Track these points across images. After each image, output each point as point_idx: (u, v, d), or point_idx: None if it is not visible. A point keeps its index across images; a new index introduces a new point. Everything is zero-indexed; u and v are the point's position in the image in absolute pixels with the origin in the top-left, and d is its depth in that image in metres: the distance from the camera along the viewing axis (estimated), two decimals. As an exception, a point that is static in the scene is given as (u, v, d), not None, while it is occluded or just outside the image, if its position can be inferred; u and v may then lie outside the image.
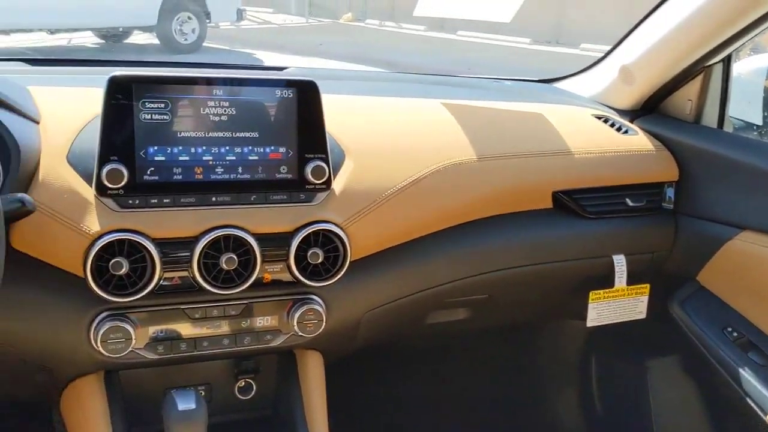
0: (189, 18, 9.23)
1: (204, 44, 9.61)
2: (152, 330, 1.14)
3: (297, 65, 1.68)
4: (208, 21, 9.55)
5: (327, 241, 1.18)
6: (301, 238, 1.16)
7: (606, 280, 1.48)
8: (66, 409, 1.23)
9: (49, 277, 1.09)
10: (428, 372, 1.91)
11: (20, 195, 0.96)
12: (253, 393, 1.33)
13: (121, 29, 9.47)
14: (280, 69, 1.68)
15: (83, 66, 1.54)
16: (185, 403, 1.00)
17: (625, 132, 1.55)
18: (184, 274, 1.13)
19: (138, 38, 9.81)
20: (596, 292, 1.47)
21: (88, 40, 9.51)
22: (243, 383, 1.33)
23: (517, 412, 1.96)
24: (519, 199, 1.40)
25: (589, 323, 1.49)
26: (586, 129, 1.53)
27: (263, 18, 13.35)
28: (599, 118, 1.59)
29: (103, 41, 9.54)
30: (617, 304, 1.50)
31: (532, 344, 1.96)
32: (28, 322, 1.09)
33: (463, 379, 1.92)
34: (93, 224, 1.06)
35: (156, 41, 9.40)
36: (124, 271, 1.06)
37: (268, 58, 9.09)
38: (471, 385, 1.94)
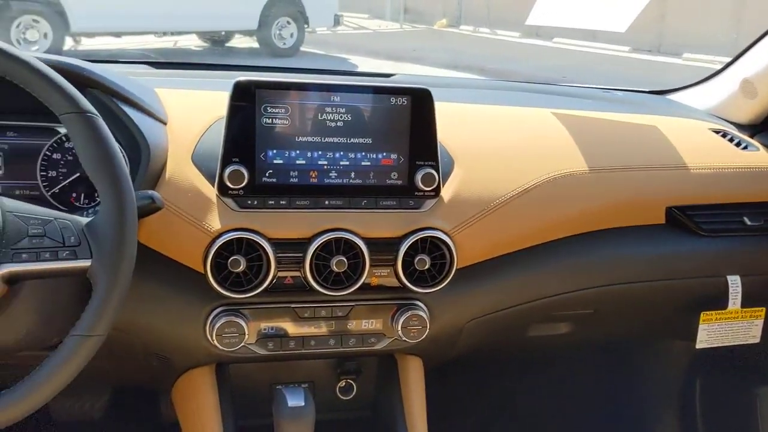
0: (288, 23, 9.47)
1: (301, 48, 9.84)
2: (263, 326, 1.18)
3: (391, 70, 1.70)
4: (306, 26, 9.77)
5: (434, 248, 1.19)
6: (409, 244, 1.17)
7: (718, 301, 1.42)
8: (178, 396, 1.29)
9: (171, 272, 1.14)
10: (524, 383, 1.89)
11: (150, 192, 1.02)
12: (353, 393, 1.35)
13: (223, 33, 9.83)
14: (387, 76, 1.71)
15: (203, 70, 1.61)
16: (295, 399, 1.03)
17: (745, 147, 1.49)
18: (296, 274, 1.16)
19: (238, 42, 10.15)
20: (708, 313, 1.42)
21: (192, 42, 9.91)
22: (344, 383, 1.35)
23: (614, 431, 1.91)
24: (631, 213, 1.36)
25: (699, 345, 1.44)
26: (703, 143, 1.48)
27: (358, 23, 13.55)
28: (717, 132, 1.53)
29: (206, 44, 9.93)
30: (729, 327, 1.44)
31: (634, 363, 1.90)
32: (151, 313, 1.15)
33: (560, 393, 1.89)
34: (214, 222, 1.11)
35: (256, 45, 9.70)
36: (241, 268, 1.11)
37: (362, 63, 9.22)
38: (567, 400, 1.91)
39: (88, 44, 8.46)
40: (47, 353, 1.09)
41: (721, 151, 1.46)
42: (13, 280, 0.89)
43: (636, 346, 1.88)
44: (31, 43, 7.61)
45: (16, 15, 7.68)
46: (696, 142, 1.46)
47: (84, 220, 0.92)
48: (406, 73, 1.76)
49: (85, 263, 0.89)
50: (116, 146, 0.92)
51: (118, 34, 8.73)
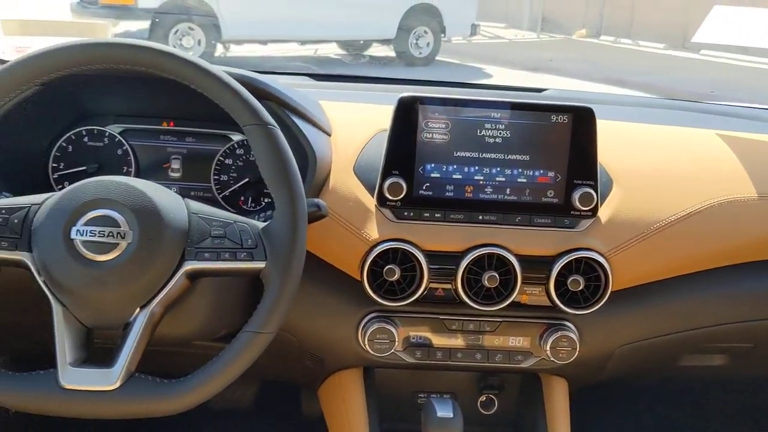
0: (425, 32, 9.58)
1: (436, 58, 9.90)
2: (412, 335, 1.21)
3: (527, 81, 1.67)
4: (442, 36, 9.83)
5: (589, 269, 1.17)
6: (563, 264, 1.16)
7: None
8: (325, 395, 1.35)
9: (330, 277, 1.20)
10: (672, 415, 1.80)
11: (317, 200, 1.07)
12: (494, 409, 1.35)
13: (361, 42, 10.08)
14: (539, 90, 1.69)
15: (360, 83, 1.67)
16: (444, 410, 1.05)
17: None
18: (448, 286, 1.18)
19: (375, 50, 10.38)
20: None
21: (332, 51, 10.24)
22: (486, 398, 1.36)
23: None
24: None
25: None
26: None
27: (495, 33, 13.45)
28: None
29: (345, 52, 10.22)
30: None
31: None
32: (310, 315, 1.21)
33: (704, 428, 1.79)
34: (373, 232, 1.15)
35: (392, 53, 9.87)
36: (396, 277, 1.14)
37: (497, 73, 9.14)
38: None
39: (236, 51, 8.96)
40: (215, 344, 1.17)
41: None
42: (195, 275, 0.97)
43: None
44: (186, 49, 8.15)
45: (174, 23, 8.27)
46: None
47: (260, 224, 0.98)
48: (555, 87, 1.73)
49: (260, 264, 0.95)
50: (292, 156, 0.98)
51: (264, 42, 9.18)
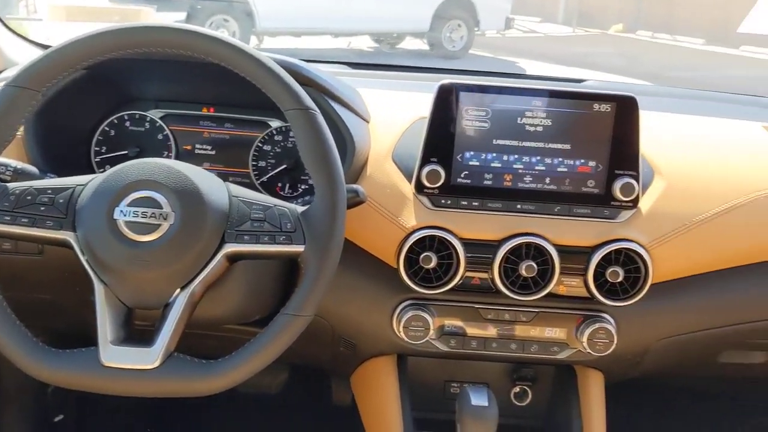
0: (459, 26, 9.52)
1: (469, 51, 9.85)
2: (447, 323, 1.21)
3: (560, 75, 1.65)
4: (476, 29, 9.77)
5: (628, 260, 1.15)
6: (602, 255, 1.14)
7: None
8: (358, 382, 1.35)
9: (366, 263, 1.20)
10: (710, 415, 1.77)
11: (356, 186, 1.07)
12: (528, 400, 1.34)
13: (395, 34, 10.06)
14: (578, 81, 1.67)
15: (398, 71, 1.66)
16: (478, 399, 1.04)
17: None
18: (484, 275, 1.17)
19: (409, 43, 10.35)
20: None
21: (364, 43, 10.24)
22: (519, 389, 1.35)
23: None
24: None
25: None
26: None
27: (529, 27, 13.32)
28: None
29: (378, 45, 10.22)
30: None
31: None
32: (345, 301, 1.21)
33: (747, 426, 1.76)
34: (410, 219, 1.15)
35: (426, 47, 9.84)
36: (432, 265, 1.14)
37: (531, 67, 9.05)
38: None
39: (269, 43, 9.00)
40: (247, 328, 1.18)
41: None
42: (234, 258, 0.97)
43: None
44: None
45: (210, 14, 8.35)
46: None
47: (299, 208, 0.98)
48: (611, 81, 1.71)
49: (299, 248, 0.95)
50: (333, 142, 0.98)
51: (297, 34, 9.21)
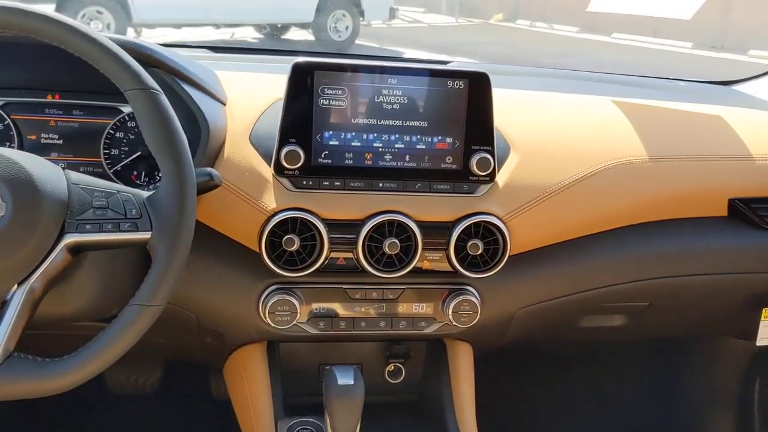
0: (344, 15, 9.52)
1: (355, 42, 9.87)
2: (315, 306, 1.19)
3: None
4: (361, 19, 9.80)
5: (487, 233, 1.18)
6: (462, 229, 1.17)
7: (782, 298, 1.38)
8: (229, 373, 1.32)
9: (227, 250, 1.16)
10: (575, 377, 1.86)
11: (209, 169, 1.03)
12: (402, 377, 1.35)
13: (279, 25, 9.93)
14: (443, 63, 1.70)
15: (262, 54, 1.63)
16: (345, 378, 1.04)
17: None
18: (349, 255, 1.17)
19: (294, 34, 10.25)
20: (770, 309, 1.38)
21: (248, 34, 10.05)
22: (393, 367, 1.36)
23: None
24: (692, 204, 1.33)
25: (759, 342, 1.39)
26: (769, 134, 1.43)
27: (413, 17, 13.50)
28: (785, 123, 1.48)
29: (262, 36, 10.05)
30: (793, 325, 1.39)
31: (691, 363, 1.86)
32: (207, 289, 1.17)
33: (612, 390, 1.86)
34: (270, 201, 1.13)
35: (311, 37, 9.77)
36: (295, 247, 1.12)
37: (416, 56, 9.18)
38: (619, 397, 1.87)
39: (148, 35, 8.67)
40: (105, 325, 1.12)
41: (790, 142, 1.40)
42: (77, 249, 0.92)
43: (692, 345, 1.83)
44: (95, 33, 7.83)
45: (81, 6, 7.92)
46: (761, 132, 1.41)
47: (145, 193, 0.94)
48: (475, 62, 1.75)
49: (146, 235, 0.91)
50: (178, 122, 0.94)
51: (177, 26, 8.91)
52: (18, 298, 0.89)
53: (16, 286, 0.89)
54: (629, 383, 1.88)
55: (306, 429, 1.16)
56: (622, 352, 1.81)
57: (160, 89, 0.94)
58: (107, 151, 1.25)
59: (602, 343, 1.73)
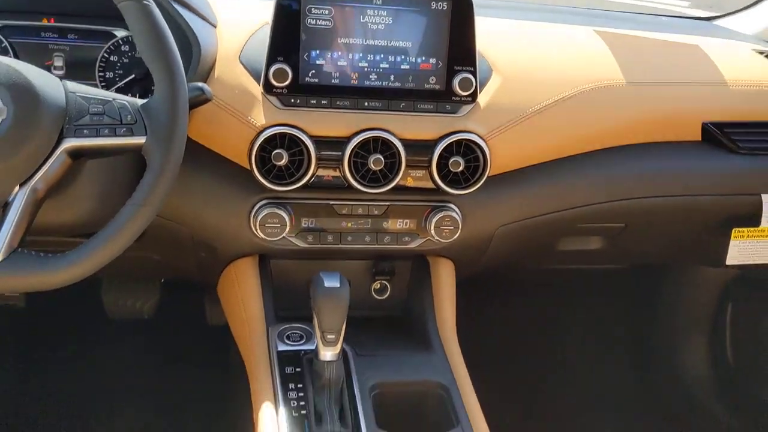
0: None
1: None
2: (303, 221, 1.25)
3: None
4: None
5: (468, 151, 1.23)
6: (444, 146, 1.22)
7: (751, 220, 1.44)
8: (223, 290, 1.38)
9: (218, 166, 1.21)
10: (553, 305, 1.93)
11: (200, 84, 1.08)
12: (387, 294, 1.41)
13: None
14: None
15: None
16: (331, 281, 1.10)
17: (790, 69, 1.47)
18: (336, 174, 1.22)
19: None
20: (740, 229, 1.44)
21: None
22: (379, 285, 1.42)
23: (640, 356, 1.95)
24: (667, 128, 1.38)
25: (729, 261, 1.46)
26: (744, 62, 1.47)
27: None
28: (761, 53, 1.52)
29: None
30: (761, 245, 1.45)
31: (664, 290, 1.93)
32: (200, 204, 1.23)
33: (586, 316, 1.93)
34: (259, 118, 1.17)
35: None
36: (283, 162, 1.17)
37: None
38: (593, 323, 1.95)
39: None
40: None
41: (762, 70, 1.45)
42: (76, 154, 0.97)
43: (668, 274, 1.91)
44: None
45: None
46: (736, 61, 1.46)
47: (140, 101, 0.99)
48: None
49: (141, 140, 0.96)
50: (169, 32, 0.98)
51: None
52: (20, 198, 0.94)
53: (18, 187, 0.94)
54: (607, 308, 1.95)
55: (295, 333, 1.22)
56: (600, 281, 1.88)
57: (151, 1, 0.98)
58: (102, 74, 1.29)
59: (580, 266, 1.80)
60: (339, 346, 1.09)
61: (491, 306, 1.90)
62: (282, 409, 1.07)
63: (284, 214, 1.21)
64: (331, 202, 1.25)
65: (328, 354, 1.09)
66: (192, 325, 1.84)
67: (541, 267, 1.74)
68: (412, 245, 1.29)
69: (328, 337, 1.08)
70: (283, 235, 1.23)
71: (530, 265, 1.69)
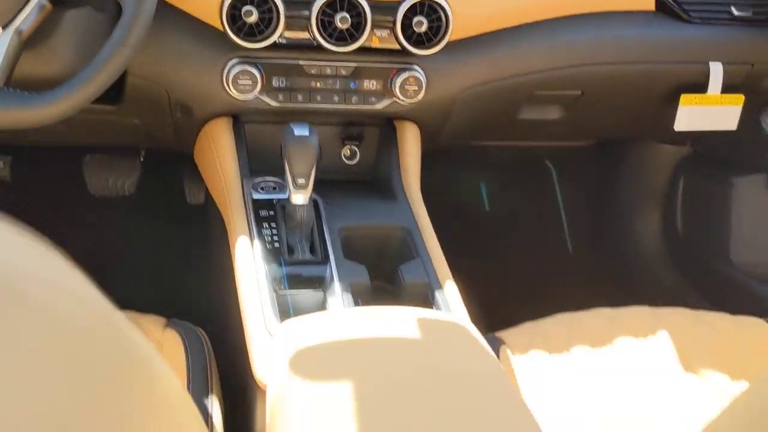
0: None
1: None
2: (274, 79, 1.31)
3: None
4: None
5: (431, 11, 1.29)
6: (408, 6, 1.27)
7: (700, 88, 1.52)
8: (200, 153, 1.45)
9: (191, 27, 1.26)
10: (518, 180, 2.03)
11: None
12: (357, 159, 1.49)
13: None
14: None
15: None
16: (301, 131, 1.17)
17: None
18: (306, 35, 1.28)
19: None
20: (688, 95, 1.52)
21: None
22: (348, 151, 1.49)
23: (598, 228, 2.07)
24: None
25: (677, 127, 1.54)
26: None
27: None
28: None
29: None
30: (709, 111, 1.54)
31: (621, 166, 2.04)
32: (175, 64, 1.28)
33: (545, 192, 2.04)
34: None
35: None
36: (253, 18, 1.22)
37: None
38: (554, 198, 2.06)
39: None
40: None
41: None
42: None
43: (626, 151, 2.01)
44: None
45: None
46: None
47: None
48: None
49: None
50: None
51: None
52: (5, 39, 0.99)
53: (1, 29, 0.99)
54: (569, 183, 2.06)
55: (269, 184, 1.30)
56: (561, 159, 1.98)
57: None
58: None
59: (541, 144, 1.89)
60: (309, 190, 1.18)
61: (456, 179, 1.99)
62: (257, 242, 1.16)
63: (256, 72, 1.27)
64: (301, 62, 1.31)
65: (299, 198, 1.18)
66: (171, 202, 1.92)
67: (505, 141, 1.83)
68: (379, 106, 1.36)
69: (299, 181, 1.16)
70: (255, 92, 1.29)
71: (494, 137, 1.77)
